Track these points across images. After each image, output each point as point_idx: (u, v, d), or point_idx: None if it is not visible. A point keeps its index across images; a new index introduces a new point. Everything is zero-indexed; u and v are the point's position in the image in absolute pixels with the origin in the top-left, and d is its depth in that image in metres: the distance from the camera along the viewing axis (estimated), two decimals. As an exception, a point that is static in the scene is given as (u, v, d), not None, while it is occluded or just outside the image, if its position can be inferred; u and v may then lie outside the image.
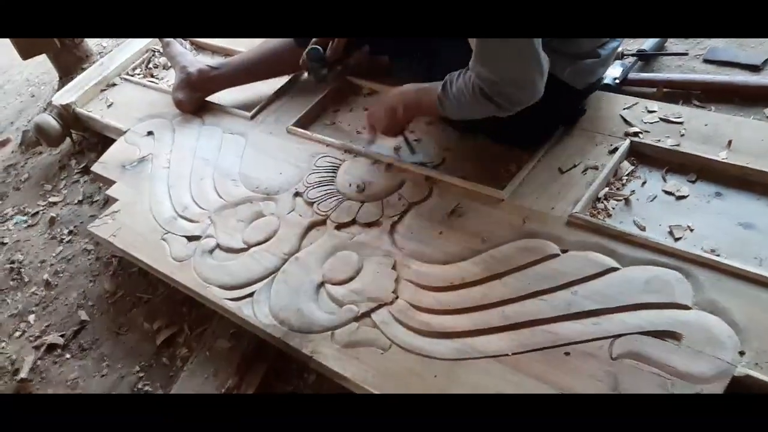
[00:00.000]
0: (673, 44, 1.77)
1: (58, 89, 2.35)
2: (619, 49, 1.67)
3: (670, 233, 1.22)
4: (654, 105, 1.45)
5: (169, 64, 2.07)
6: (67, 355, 1.65)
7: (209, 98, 1.92)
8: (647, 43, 1.74)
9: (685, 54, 1.70)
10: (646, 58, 1.72)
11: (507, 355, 1.12)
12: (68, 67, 2.54)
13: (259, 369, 1.40)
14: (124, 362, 1.57)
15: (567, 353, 1.10)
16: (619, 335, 1.08)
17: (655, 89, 1.61)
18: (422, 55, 1.61)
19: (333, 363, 1.21)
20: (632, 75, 1.64)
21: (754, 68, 1.60)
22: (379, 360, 1.18)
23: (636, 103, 1.46)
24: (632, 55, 1.71)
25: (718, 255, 1.15)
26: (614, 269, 1.17)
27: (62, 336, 1.69)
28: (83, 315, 1.72)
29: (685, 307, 1.09)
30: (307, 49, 1.61)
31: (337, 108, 1.80)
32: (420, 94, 1.42)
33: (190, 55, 1.99)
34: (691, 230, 1.22)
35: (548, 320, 1.15)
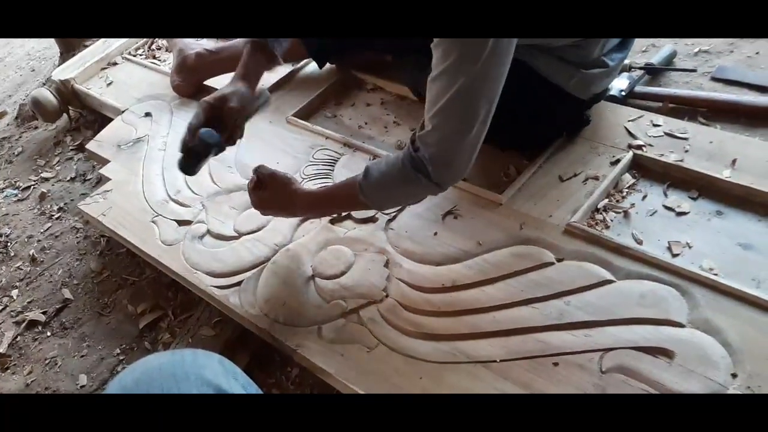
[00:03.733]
0: (682, 60, 1.75)
1: (59, 65, 2.32)
2: (627, 62, 1.65)
3: (669, 249, 1.20)
4: (659, 119, 1.43)
5: (172, 46, 2.05)
6: (48, 333, 1.62)
7: (209, 83, 1.89)
8: (655, 57, 1.73)
9: (693, 71, 1.68)
10: (653, 72, 1.71)
11: (495, 361, 1.10)
12: (71, 43, 2.51)
13: (241, 359, 1.38)
14: (105, 344, 1.54)
15: (556, 363, 1.08)
16: (610, 349, 1.07)
17: (660, 104, 1.60)
18: (424, 55, 1.59)
19: (317, 358, 1.18)
20: (638, 88, 1.63)
21: (762, 89, 1.58)
22: (365, 358, 1.16)
23: (641, 116, 1.45)
24: (640, 68, 1.70)
25: (715, 274, 1.13)
26: (609, 281, 1.16)
27: (44, 313, 1.66)
28: (67, 293, 1.69)
29: (680, 325, 1.07)
30: (201, 131, 1.23)
31: (340, 101, 1.78)
32: (326, 196, 1.28)
33: (189, 38, 1.96)
34: (690, 247, 1.20)
35: (539, 329, 1.13)
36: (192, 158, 1.25)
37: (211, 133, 1.24)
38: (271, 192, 1.29)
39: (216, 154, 1.27)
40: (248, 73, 1.33)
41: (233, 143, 1.31)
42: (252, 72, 1.34)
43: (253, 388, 0.74)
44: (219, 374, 0.70)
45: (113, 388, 0.69)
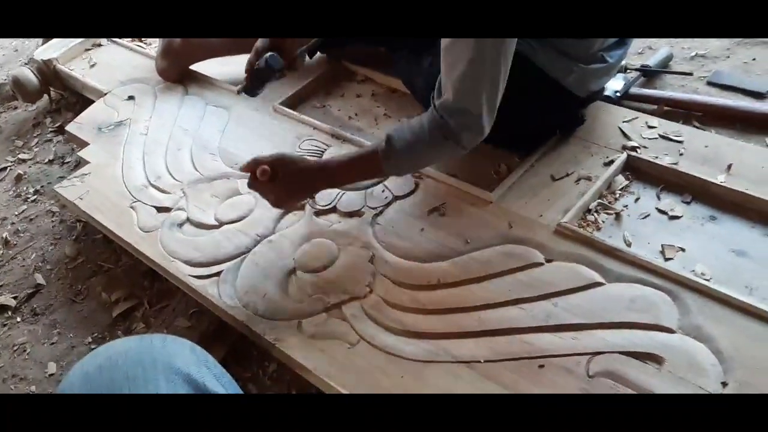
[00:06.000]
0: (678, 63, 1.73)
1: (43, 44, 2.26)
2: (623, 62, 1.63)
3: (661, 253, 1.18)
4: (654, 121, 1.40)
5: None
6: (18, 318, 1.56)
7: (195, 68, 1.84)
8: (651, 60, 1.71)
9: (690, 74, 1.66)
10: (648, 75, 1.68)
11: (479, 361, 1.06)
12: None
13: (217, 352, 1.33)
14: (76, 332, 1.49)
15: (541, 366, 1.04)
16: (598, 353, 1.03)
17: (655, 106, 1.57)
18: (419, 50, 1.55)
19: (297, 353, 1.14)
20: (634, 90, 1.60)
21: (758, 95, 1.56)
22: (346, 354, 1.12)
23: (636, 118, 1.42)
24: (635, 69, 1.67)
25: (707, 280, 1.10)
26: (599, 284, 1.12)
27: (15, 298, 1.61)
28: (39, 278, 1.64)
29: (670, 331, 1.04)
30: (266, 55, 1.33)
31: (329, 92, 1.74)
32: (346, 167, 1.26)
33: None
34: (683, 251, 1.17)
35: (525, 330, 1.09)
36: (256, 80, 1.35)
37: (277, 58, 1.32)
38: (286, 180, 1.23)
39: (278, 79, 1.37)
40: None
41: (295, 69, 1.44)
42: None
43: (226, 379, 0.70)
44: (190, 363, 0.66)
45: (75, 374, 0.64)
